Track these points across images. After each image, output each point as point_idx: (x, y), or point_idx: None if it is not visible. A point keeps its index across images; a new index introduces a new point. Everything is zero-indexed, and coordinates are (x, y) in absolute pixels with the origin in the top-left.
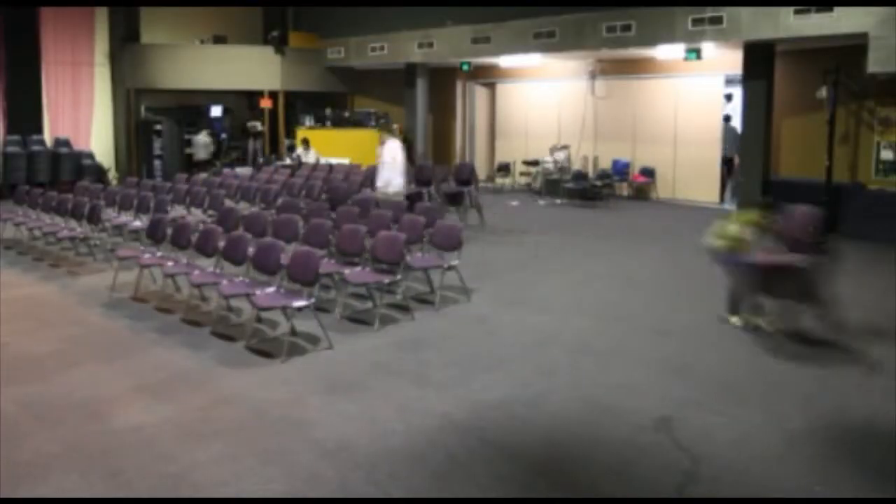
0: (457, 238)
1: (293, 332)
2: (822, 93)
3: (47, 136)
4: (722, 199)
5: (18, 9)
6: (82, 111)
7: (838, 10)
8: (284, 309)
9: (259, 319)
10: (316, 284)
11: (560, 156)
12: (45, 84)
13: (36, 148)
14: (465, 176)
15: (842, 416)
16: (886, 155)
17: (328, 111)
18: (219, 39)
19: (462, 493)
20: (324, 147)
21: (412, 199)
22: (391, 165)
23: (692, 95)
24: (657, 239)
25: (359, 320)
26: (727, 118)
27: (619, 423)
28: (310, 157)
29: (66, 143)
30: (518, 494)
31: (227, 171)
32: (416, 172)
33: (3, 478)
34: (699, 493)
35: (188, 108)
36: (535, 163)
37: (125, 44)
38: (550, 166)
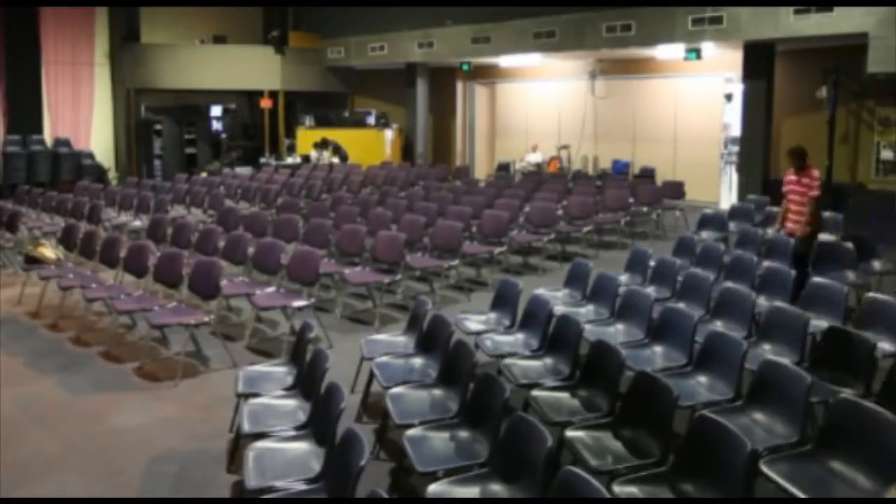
0: (457, 238)
1: (293, 332)
2: (822, 93)
3: (47, 136)
4: None
5: (18, 9)
6: (82, 111)
7: (838, 10)
8: (284, 309)
9: (259, 319)
10: (316, 284)
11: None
12: (45, 84)
13: (36, 148)
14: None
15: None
16: (886, 155)
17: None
18: (219, 39)
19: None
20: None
21: None
22: None
23: (692, 95)
24: (658, 238)
25: (359, 320)
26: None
27: None
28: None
29: (67, 143)
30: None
31: (226, 171)
32: None
33: (3, 478)
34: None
35: (188, 108)
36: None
37: (125, 44)
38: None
